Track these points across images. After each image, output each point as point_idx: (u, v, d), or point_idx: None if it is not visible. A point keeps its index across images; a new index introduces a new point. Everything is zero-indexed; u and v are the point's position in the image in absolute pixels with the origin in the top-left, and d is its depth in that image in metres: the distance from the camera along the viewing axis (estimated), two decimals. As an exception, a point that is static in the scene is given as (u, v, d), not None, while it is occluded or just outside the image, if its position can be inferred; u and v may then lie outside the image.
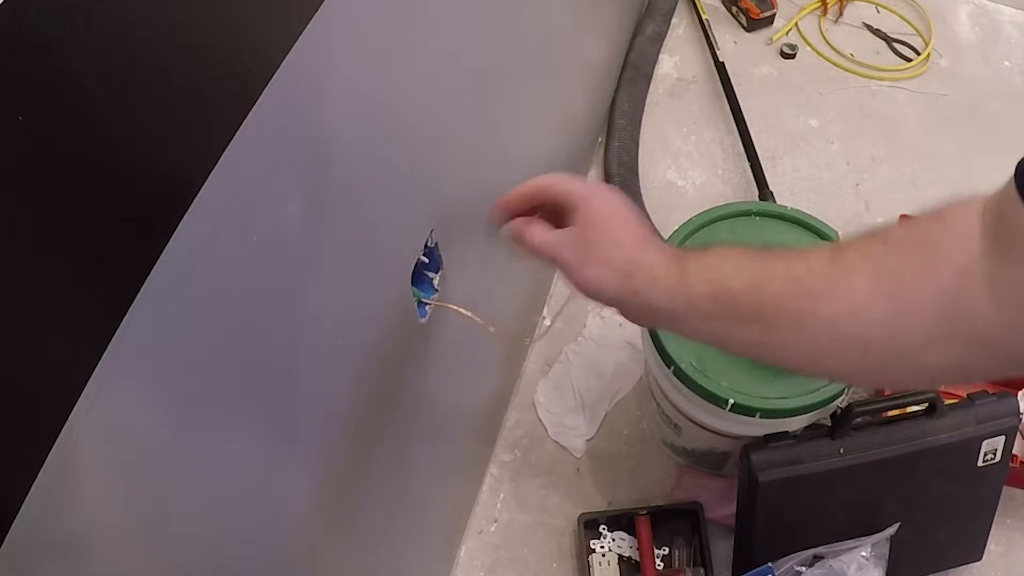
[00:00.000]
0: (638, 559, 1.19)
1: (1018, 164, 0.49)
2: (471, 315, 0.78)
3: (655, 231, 0.63)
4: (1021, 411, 1.10)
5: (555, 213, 0.67)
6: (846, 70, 1.69)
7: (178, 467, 0.48)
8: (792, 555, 1.04)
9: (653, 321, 0.63)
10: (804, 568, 1.04)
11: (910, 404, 1.06)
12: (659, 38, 1.66)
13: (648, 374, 1.19)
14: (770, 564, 1.04)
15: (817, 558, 1.05)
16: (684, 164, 1.56)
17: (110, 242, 0.37)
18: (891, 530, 1.06)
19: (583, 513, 1.21)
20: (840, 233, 1.08)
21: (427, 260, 0.76)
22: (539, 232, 0.66)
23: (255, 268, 0.49)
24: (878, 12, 1.78)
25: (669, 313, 0.60)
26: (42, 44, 0.31)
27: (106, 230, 0.37)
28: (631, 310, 0.64)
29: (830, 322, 0.54)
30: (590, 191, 0.66)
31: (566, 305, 1.39)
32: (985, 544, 1.17)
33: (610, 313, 1.40)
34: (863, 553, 1.04)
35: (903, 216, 1.38)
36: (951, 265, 0.51)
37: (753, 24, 1.73)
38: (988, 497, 1.13)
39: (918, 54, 1.71)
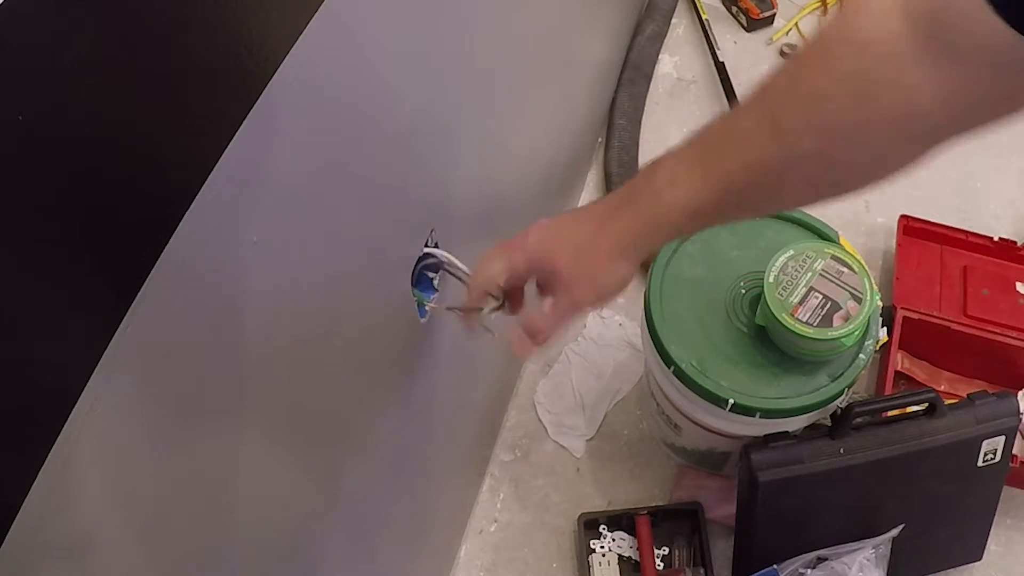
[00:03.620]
0: (638, 559, 1.19)
1: None
2: (496, 335, 0.77)
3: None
4: (1021, 411, 1.10)
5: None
6: (846, 70, 1.69)
7: (178, 467, 0.48)
8: (796, 557, 1.05)
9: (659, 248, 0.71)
10: (808, 570, 1.04)
11: (910, 404, 1.06)
12: (659, 38, 1.66)
13: (648, 374, 1.19)
14: (775, 567, 1.05)
15: (821, 560, 1.05)
16: (684, 164, 1.56)
17: (110, 242, 0.37)
18: (894, 532, 1.06)
19: (583, 513, 1.21)
20: (840, 233, 1.08)
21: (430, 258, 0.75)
22: (540, 316, 0.69)
23: (255, 268, 0.49)
24: (878, 12, 1.78)
25: (668, 239, 0.67)
26: (41, 44, 0.31)
27: (106, 230, 0.37)
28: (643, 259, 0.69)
29: (804, 183, 0.59)
30: (518, 250, 0.69)
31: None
32: (985, 544, 1.17)
33: (610, 313, 1.40)
34: (865, 555, 1.04)
35: (903, 217, 1.38)
36: (888, 102, 0.53)
37: (753, 24, 1.73)
38: (988, 497, 1.13)
39: (918, 54, 1.70)
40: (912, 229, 1.39)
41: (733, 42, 1.73)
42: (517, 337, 0.70)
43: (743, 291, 1.06)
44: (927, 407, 1.05)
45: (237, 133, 0.43)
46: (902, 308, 1.28)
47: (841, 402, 1.03)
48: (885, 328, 1.21)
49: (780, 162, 0.57)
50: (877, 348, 1.06)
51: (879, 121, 0.54)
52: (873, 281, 0.99)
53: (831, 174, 0.59)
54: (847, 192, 0.60)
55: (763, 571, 1.05)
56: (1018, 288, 1.34)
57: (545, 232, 0.69)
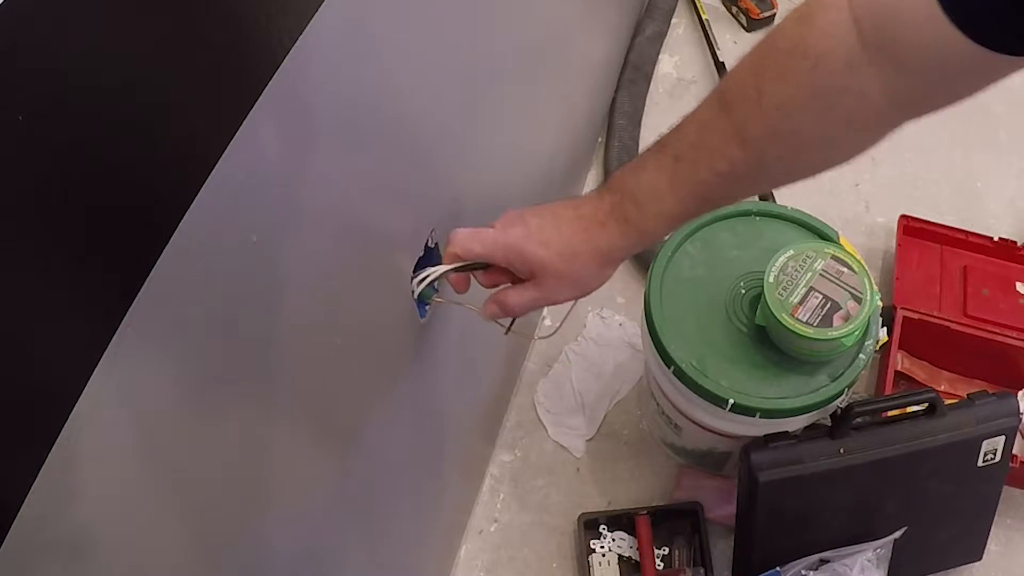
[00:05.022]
0: (638, 559, 1.19)
1: None
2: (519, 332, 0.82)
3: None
4: (1021, 411, 1.10)
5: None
6: (846, 70, 1.69)
7: (178, 466, 0.48)
8: (799, 560, 1.05)
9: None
10: (810, 572, 1.04)
11: (910, 404, 1.06)
12: (659, 38, 1.66)
13: (648, 374, 1.19)
14: (778, 569, 1.05)
15: (823, 562, 1.05)
16: (684, 164, 1.56)
17: (111, 242, 0.37)
18: (897, 534, 1.06)
19: (583, 513, 1.21)
20: (840, 233, 1.08)
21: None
22: (516, 296, 0.72)
23: (255, 268, 0.49)
24: (878, 12, 1.78)
25: (650, 245, 0.72)
26: (42, 43, 0.31)
27: (106, 230, 0.37)
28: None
29: (771, 183, 0.71)
30: (498, 238, 0.71)
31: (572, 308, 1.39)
32: (985, 544, 1.17)
33: (610, 313, 1.40)
34: (867, 556, 1.04)
35: (903, 217, 1.38)
36: (846, 108, 0.57)
37: (753, 24, 1.73)
38: (988, 497, 1.13)
39: (918, 54, 1.70)
40: (912, 229, 1.39)
41: (733, 42, 1.73)
42: (489, 307, 0.74)
43: (743, 291, 1.06)
44: (927, 407, 1.05)
45: (238, 132, 0.43)
46: (902, 308, 1.28)
47: (841, 402, 1.03)
48: (885, 328, 1.21)
49: (750, 169, 0.62)
50: (877, 348, 1.06)
51: (839, 125, 0.59)
52: (873, 281, 0.99)
53: (795, 171, 0.65)
54: (805, 178, 0.65)
55: (767, 573, 1.05)
56: (1018, 288, 1.34)
57: (527, 230, 0.70)
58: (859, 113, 0.57)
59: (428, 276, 0.73)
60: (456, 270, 0.73)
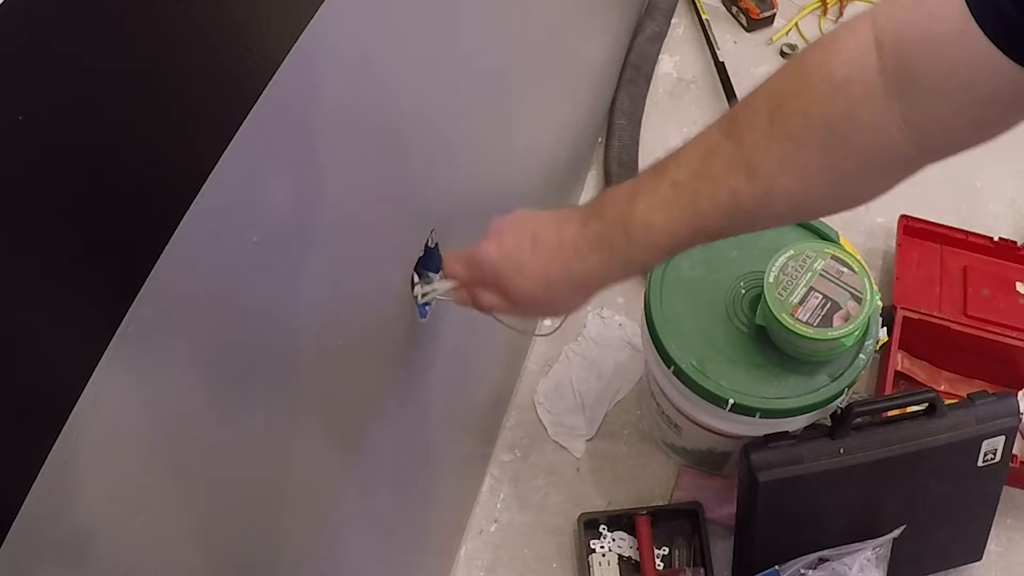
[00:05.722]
0: (638, 559, 1.19)
1: None
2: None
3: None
4: (1021, 411, 1.10)
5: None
6: (846, 70, 1.69)
7: (178, 466, 0.48)
8: (798, 559, 1.05)
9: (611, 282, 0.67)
10: (809, 571, 1.04)
11: (910, 404, 1.06)
12: (659, 38, 1.66)
13: (648, 374, 1.19)
14: (776, 568, 1.05)
15: (823, 560, 1.05)
16: (684, 164, 1.55)
17: (111, 242, 0.37)
18: (896, 532, 1.06)
19: (583, 513, 1.21)
20: (840, 233, 1.08)
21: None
22: (487, 297, 0.69)
23: (255, 268, 0.49)
24: (878, 12, 1.78)
25: (635, 276, 0.67)
26: (42, 44, 0.31)
27: (107, 230, 0.37)
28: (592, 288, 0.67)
29: (776, 219, 0.61)
30: (472, 257, 0.69)
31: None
32: (985, 544, 1.17)
33: (610, 313, 1.40)
34: (866, 555, 1.04)
35: (903, 217, 1.38)
36: (861, 142, 0.54)
37: (753, 24, 1.73)
38: (988, 497, 1.13)
39: (918, 54, 1.70)
40: (912, 229, 1.39)
41: (733, 42, 1.73)
42: (461, 293, 0.72)
43: (743, 291, 1.06)
44: (927, 407, 1.05)
45: (237, 133, 0.43)
46: (902, 308, 1.28)
47: (841, 402, 1.03)
48: (885, 328, 1.21)
49: (754, 202, 0.58)
50: (877, 348, 1.06)
51: (851, 159, 0.55)
52: (873, 281, 0.99)
53: (802, 209, 0.61)
54: (815, 218, 0.61)
55: (765, 572, 1.05)
56: (1018, 288, 1.34)
57: (501, 249, 0.67)
58: (875, 151, 0.53)
59: (428, 294, 0.75)
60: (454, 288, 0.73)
